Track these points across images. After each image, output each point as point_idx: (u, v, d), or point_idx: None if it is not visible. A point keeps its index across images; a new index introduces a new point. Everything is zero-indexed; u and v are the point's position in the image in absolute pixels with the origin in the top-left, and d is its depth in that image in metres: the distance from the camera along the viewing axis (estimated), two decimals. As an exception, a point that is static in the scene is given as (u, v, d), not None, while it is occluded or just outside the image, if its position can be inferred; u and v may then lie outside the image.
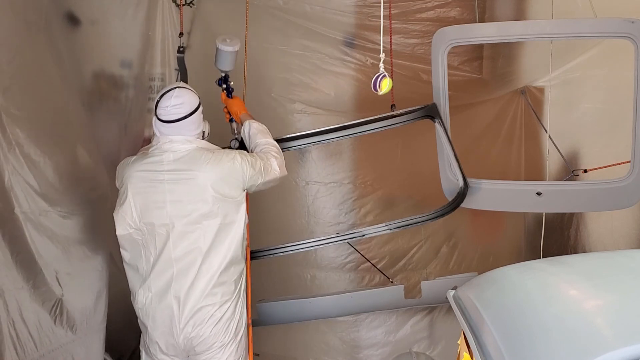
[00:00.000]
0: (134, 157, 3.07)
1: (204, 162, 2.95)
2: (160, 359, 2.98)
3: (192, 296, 2.89)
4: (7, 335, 2.52)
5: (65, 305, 2.88)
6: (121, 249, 3.00)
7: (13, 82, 2.60)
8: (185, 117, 2.96)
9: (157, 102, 2.99)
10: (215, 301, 2.91)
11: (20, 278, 2.61)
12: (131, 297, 3.03)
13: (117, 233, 2.94)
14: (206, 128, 3.15)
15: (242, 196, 3.01)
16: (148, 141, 3.84)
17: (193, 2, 4.05)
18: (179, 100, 2.96)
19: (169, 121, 2.95)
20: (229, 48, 3.32)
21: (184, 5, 3.85)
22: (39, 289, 2.72)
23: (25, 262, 2.65)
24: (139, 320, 3.02)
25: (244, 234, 3.02)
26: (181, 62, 3.73)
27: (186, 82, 3.63)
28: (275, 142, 3.26)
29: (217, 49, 3.33)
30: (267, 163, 3.10)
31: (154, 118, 3.01)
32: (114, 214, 2.97)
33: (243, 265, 3.06)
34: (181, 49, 3.73)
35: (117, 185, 3.05)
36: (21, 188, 2.62)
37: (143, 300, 2.94)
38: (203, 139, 3.10)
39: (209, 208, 2.90)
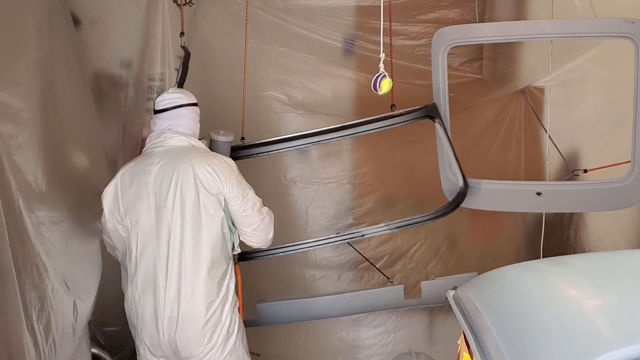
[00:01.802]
0: (133, 159, 3.09)
1: (194, 155, 2.95)
2: None
3: (173, 296, 2.85)
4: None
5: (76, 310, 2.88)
6: (115, 250, 3.01)
7: (16, 81, 2.60)
8: (181, 106, 3.01)
9: (155, 100, 3.05)
10: (198, 302, 2.87)
11: (27, 283, 2.60)
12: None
13: (107, 227, 2.95)
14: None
15: (222, 198, 2.94)
16: (147, 141, 3.84)
17: (192, 1, 4.05)
18: (177, 91, 3.08)
19: (166, 109, 2.99)
20: (222, 138, 3.27)
21: (184, 4, 3.85)
22: (45, 291, 2.71)
23: (36, 266, 2.64)
24: (128, 321, 3.00)
25: (225, 234, 2.98)
26: (186, 62, 3.72)
27: (183, 83, 3.65)
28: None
29: (211, 139, 3.25)
30: (257, 199, 3.05)
31: (152, 118, 3.04)
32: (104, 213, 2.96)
33: (226, 267, 2.99)
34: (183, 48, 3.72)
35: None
36: (26, 191, 2.60)
37: (131, 299, 2.93)
38: None
39: (192, 201, 2.88)
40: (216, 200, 2.93)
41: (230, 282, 2.99)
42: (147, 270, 2.89)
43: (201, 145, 3.06)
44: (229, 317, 2.95)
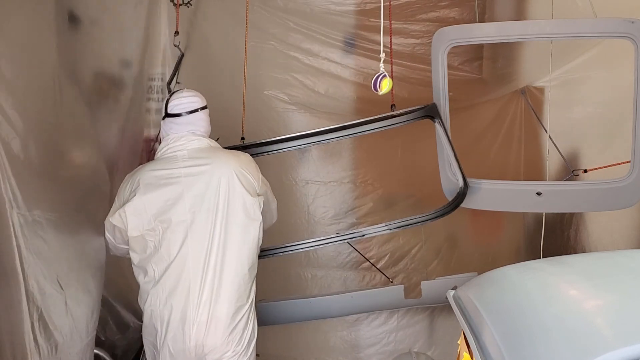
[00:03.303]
0: (144, 164, 3.06)
1: (221, 153, 2.96)
2: None
3: (207, 299, 2.80)
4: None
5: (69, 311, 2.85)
6: (130, 252, 2.91)
7: (16, 80, 2.59)
8: (199, 110, 2.99)
9: (167, 101, 3.01)
10: (230, 306, 2.83)
11: (30, 284, 2.58)
12: (139, 299, 2.94)
13: (130, 234, 2.87)
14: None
15: (260, 197, 2.97)
16: (147, 141, 3.84)
17: (191, 2, 4.05)
18: (192, 94, 3.02)
19: (184, 113, 2.96)
20: None
21: (181, 5, 3.86)
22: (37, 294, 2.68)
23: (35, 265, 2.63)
24: (145, 323, 2.92)
25: (260, 238, 2.97)
26: (178, 62, 3.72)
27: (172, 82, 3.65)
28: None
29: None
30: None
31: (164, 121, 3.00)
32: (111, 219, 2.89)
33: (256, 270, 2.99)
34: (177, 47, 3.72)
35: (123, 192, 2.94)
36: (25, 190, 2.58)
37: (156, 302, 2.84)
38: None
39: (232, 201, 2.87)
40: (257, 203, 2.93)
41: (254, 286, 2.99)
42: (179, 273, 2.81)
43: (217, 144, 3.04)
44: (252, 321, 2.94)
